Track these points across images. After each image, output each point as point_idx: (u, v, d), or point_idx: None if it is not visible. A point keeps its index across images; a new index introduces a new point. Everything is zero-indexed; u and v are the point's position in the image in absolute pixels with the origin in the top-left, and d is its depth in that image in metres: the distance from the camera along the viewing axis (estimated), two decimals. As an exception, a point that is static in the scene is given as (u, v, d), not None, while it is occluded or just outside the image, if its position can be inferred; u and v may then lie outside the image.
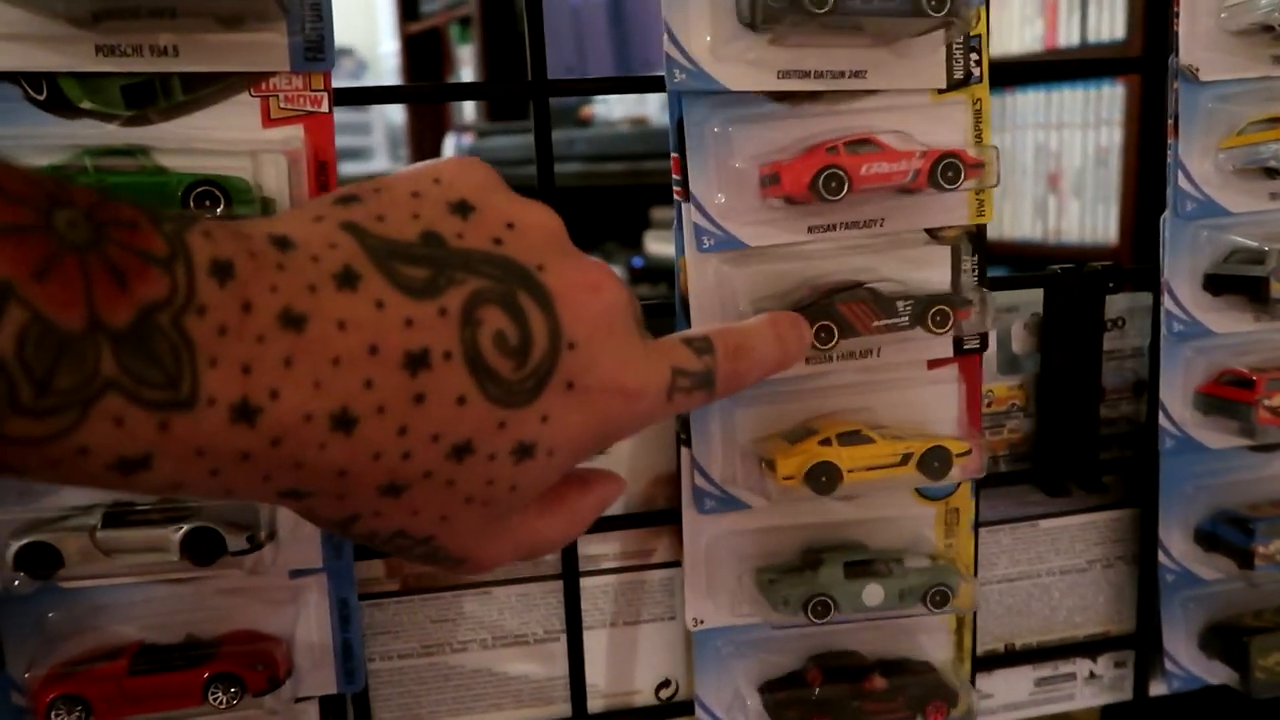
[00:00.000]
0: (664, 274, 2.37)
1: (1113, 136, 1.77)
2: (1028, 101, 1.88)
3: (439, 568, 0.33)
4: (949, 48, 0.49)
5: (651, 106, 2.29)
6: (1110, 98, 1.75)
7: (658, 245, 2.42)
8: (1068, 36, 1.81)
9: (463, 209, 0.29)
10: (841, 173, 0.45)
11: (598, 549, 0.55)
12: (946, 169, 0.47)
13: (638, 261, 2.38)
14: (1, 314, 0.20)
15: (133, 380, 0.22)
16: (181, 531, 0.43)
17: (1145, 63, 0.54)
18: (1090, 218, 1.82)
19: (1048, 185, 1.89)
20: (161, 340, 0.22)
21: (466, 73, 3.08)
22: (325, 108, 0.45)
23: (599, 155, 2.18)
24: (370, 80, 4.15)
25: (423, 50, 3.37)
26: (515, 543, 0.32)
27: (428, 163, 0.30)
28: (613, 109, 2.45)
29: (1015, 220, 1.92)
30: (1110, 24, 1.73)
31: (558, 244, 0.30)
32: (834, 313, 0.46)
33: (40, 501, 0.45)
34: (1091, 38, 1.78)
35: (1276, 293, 0.51)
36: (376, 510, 0.28)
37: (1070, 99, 1.82)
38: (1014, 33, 1.87)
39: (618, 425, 0.31)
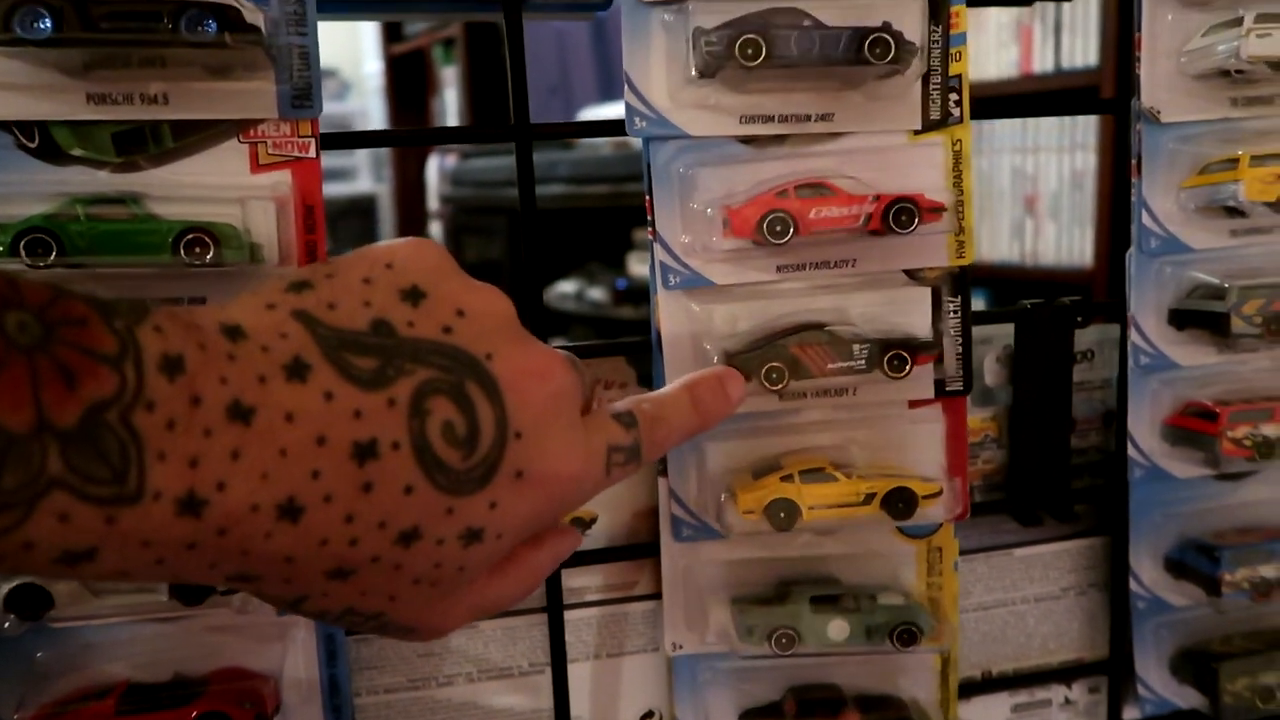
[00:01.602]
0: (647, 295, 2.38)
1: (1088, 161, 1.80)
2: (1004, 126, 1.91)
3: (391, 637, 0.34)
4: (926, 88, 0.50)
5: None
6: (1085, 123, 1.78)
7: (641, 267, 2.44)
8: (1042, 62, 1.85)
9: (414, 295, 0.29)
10: (787, 216, 0.46)
11: (581, 582, 0.55)
12: (899, 213, 0.48)
13: (621, 283, 2.40)
14: None
15: (79, 478, 0.22)
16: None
17: (1116, 104, 0.56)
18: (1066, 240, 1.85)
19: (1024, 208, 1.92)
20: (109, 437, 0.23)
21: (450, 94, 3.10)
22: (312, 153, 0.46)
23: (582, 177, 2.20)
24: (354, 100, 4.16)
25: (406, 71, 3.39)
26: (467, 607, 0.32)
27: (382, 245, 0.31)
28: (596, 131, 2.46)
29: (993, 243, 1.95)
30: (1084, 51, 1.77)
31: (507, 330, 0.31)
32: (786, 355, 0.47)
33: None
34: (1065, 64, 1.82)
35: (1238, 328, 0.53)
36: (324, 591, 0.28)
37: (1046, 124, 1.85)
38: (990, 58, 1.90)
39: (562, 505, 0.32)
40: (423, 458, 0.27)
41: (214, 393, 0.24)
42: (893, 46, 0.46)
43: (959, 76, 0.50)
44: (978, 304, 2.20)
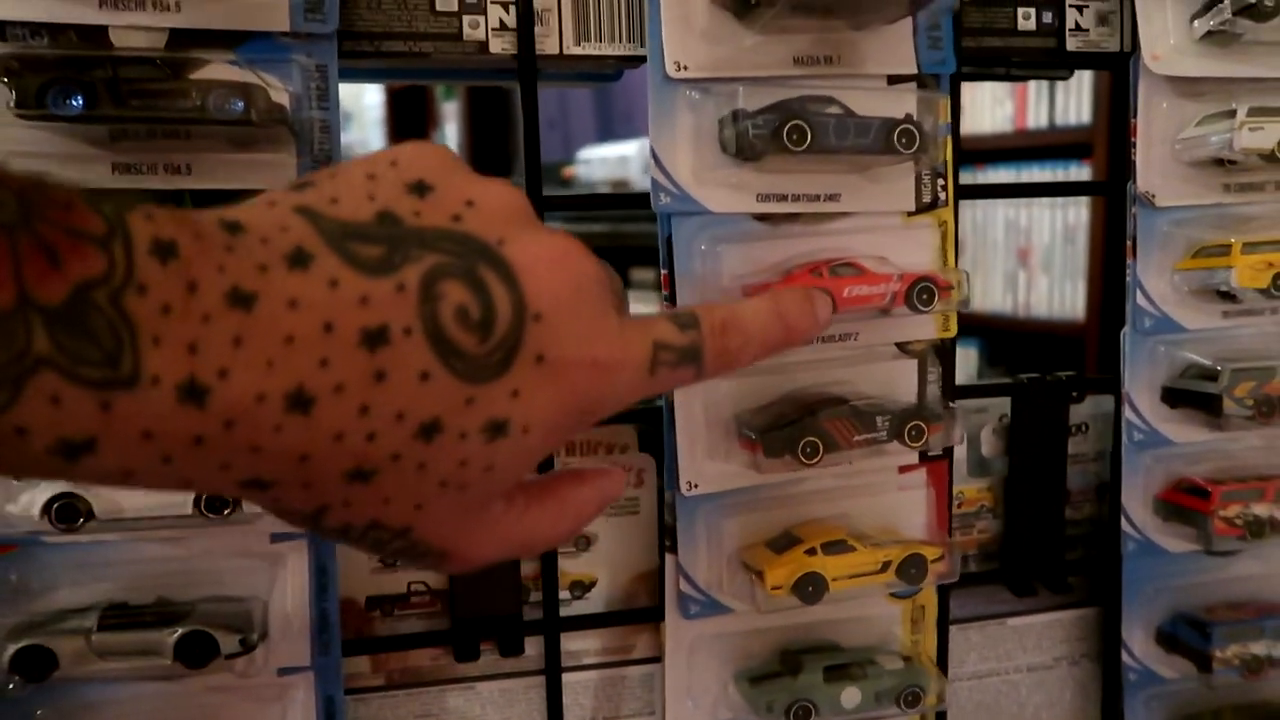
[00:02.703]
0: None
1: (1080, 215, 1.82)
2: (998, 177, 1.94)
3: (423, 565, 0.31)
4: (918, 174, 0.53)
5: (634, 168, 2.33)
6: (1077, 177, 1.81)
7: (638, 306, 2.44)
8: (1036, 118, 1.88)
9: (420, 189, 0.28)
10: (827, 295, 0.47)
11: (579, 645, 0.56)
12: (922, 292, 0.49)
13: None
14: None
15: (68, 358, 0.21)
16: (175, 635, 0.44)
17: (1109, 187, 0.58)
18: (1059, 293, 1.87)
19: (1018, 259, 1.95)
20: (98, 318, 0.22)
21: (450, 128, 3.12)
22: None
23: (580, 215, 2.22)
24: (355, 132, 4.19)
25: (407, 104, 3.41)
26: (502, 537, 0.30)
27: (384, 149, 0.29)
28: (594, 170, 2.49)
29: (986, 293, 1.97)
30: (1077, 108, 1.80)
31: (522, 218, 0.29)
32: (818, 429, 0.48)
33: (35, 603, 0.46)
34: (1059, 120, 1.85)
35: (1230, 409, 0.54)
36: (346, 499, 0.26)
37: (1039, 177, 1.88)
38: (985, 113, 1.93)
39: (595, 400, 0.29)
40: (437, 342, 0.26)
41: (211, 280, 0.23)
42: (917, 137, 0.47)
43: (944, 163, 0.52)
44: (970, 354, 2.20)
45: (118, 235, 0.22)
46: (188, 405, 0.23)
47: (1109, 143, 1.56)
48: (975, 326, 1.94)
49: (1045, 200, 1.89)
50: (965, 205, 0.54)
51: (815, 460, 0.48)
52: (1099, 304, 1.74)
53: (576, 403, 0.29)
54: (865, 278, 0.49)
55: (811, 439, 0.48)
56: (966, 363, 1.90)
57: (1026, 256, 1.93)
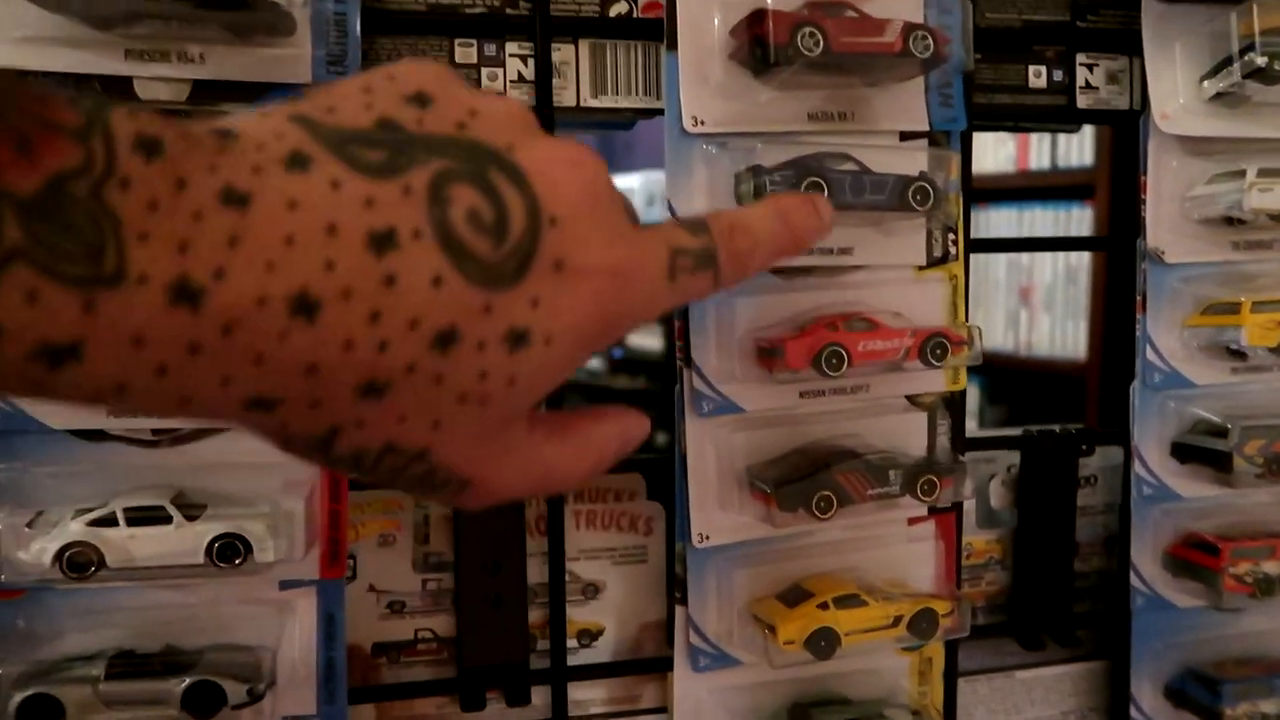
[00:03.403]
0: (643, 365, 2.40)
1: (1081, 256, 1.83)
2: (1000, 217, 1.95)
3: (443, 498, 0.29)
4: (929, 229, 0.53)
5: (637, 200, 2.34)
6: (1079, 219, 1.82)
7: (637, 338, 2.46)
8: (1039, 160, 1.89)
9: (420, 100, 0.26)
10: (842, 350, 0.48)
11: (586, 694, 0.55)
12: (935, 347, 0.50)
13: (617, 352, 2.42)
14: None
15: (45, 251, 0.20)
16: (184, 685, 0.44)
17: (1111, 242, 0.58)
18: (1060, 331, 1.88)
19: (1020, 299, 1.95)
20: (77, 211, 0.20)
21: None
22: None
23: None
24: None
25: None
26: (524, 467, 0.29)
27: (379, 66, 0.28)
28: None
29: (988, 331, 1.98)
30: (1079, 150, 1.81)
31: (527, 126, 0.28)
32: (833, 483, 0.48)
33: (42, 649, 0.45)
34: (1061, 162, 1.86)
35: (1240, 467, 0.54)
36: (359, 419, 0.24)
37: (1041, 217, 1.89)
38: (988, 153, 1.95)
39: (618, 309, 0.28)
40: (448, 245, 0.24)
41: (202, 178, 0.21)
42: (931, 195, 0.48)
43: (955, 218, 0.53)
44: (973, 392, 2.20)
45: (97, 129, 0.21)
46: (180, 307, 0.21)
47: (1110, 186, 1.56)
48: (977, 365, 1.94)
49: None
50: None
51: (829, 515, 0.48)
52: (1101, 344, 1.74)
53: (599, 312, 0.27)
54: (879, 332, 0.49)
55: (826, 493, 0.48)
56: (969, 400, 1.90)
57: (1029, 295, 1.94)
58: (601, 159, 0.29)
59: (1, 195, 0.19)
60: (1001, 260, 1.98)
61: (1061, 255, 1.89)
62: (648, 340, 2.54)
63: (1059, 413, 1.86)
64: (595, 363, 2.45)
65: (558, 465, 0.30)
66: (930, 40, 0.48)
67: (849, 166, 0.49)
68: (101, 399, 0.21)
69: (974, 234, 0.55)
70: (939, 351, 0.50)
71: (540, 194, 0.26)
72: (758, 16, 0.46)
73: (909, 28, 0.48)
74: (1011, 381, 1.96)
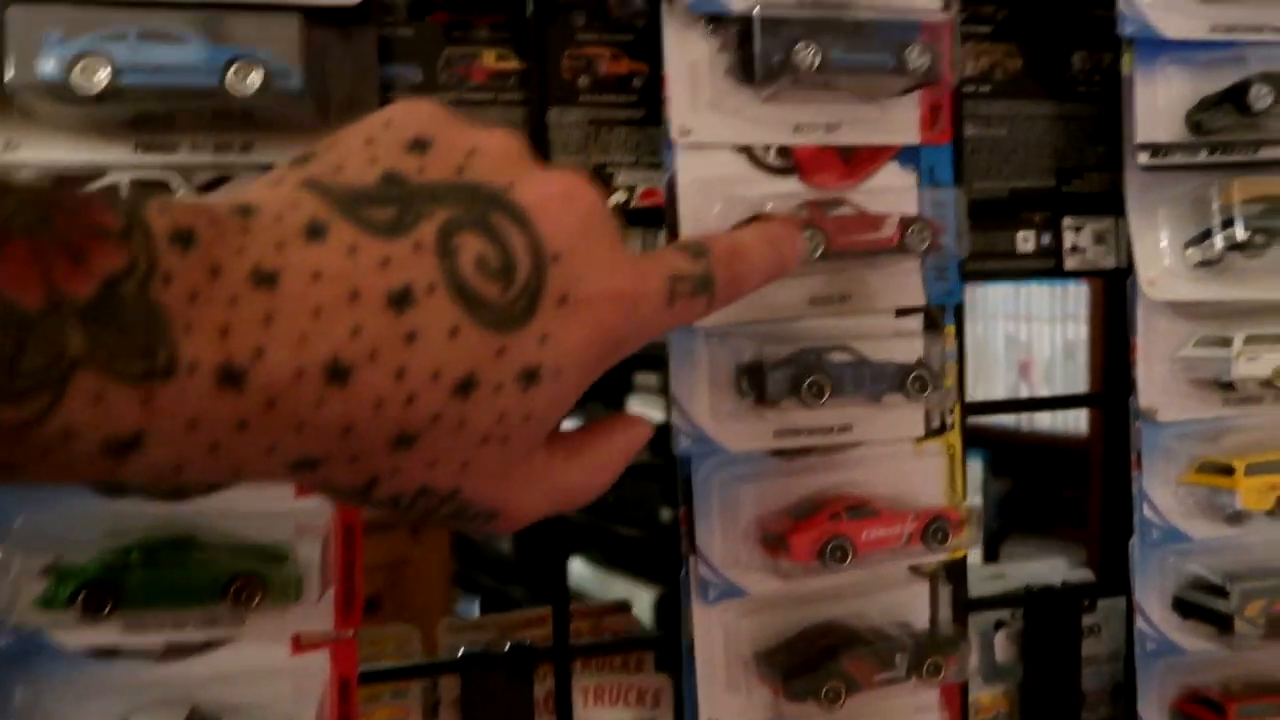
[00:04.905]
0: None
1: (1079, 332, 1.85)
2: (998, 293, 1.97)
3: (475, 528, 0.31)
4: (927, 408, 0.54)
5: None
6: (1075, 295, 1.84)
7: (641, 409, 2.47)
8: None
9: (419, 145, 0.28)
10: (846, 543, 0.49)
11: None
12: (936, 530, 0.51)
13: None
14: None
15: (105, 354, 0.21)
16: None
17: (1105, 399, 0.59)
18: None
19: (1019, 373, 1.97)
20: (130, 311, 0.22)
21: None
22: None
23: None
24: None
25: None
26: (547, 489, 0.31)
27: (375, 112, 0.30)
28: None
29: (989, 406, 1.98)
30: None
31: (524, 161, 0.29)
32: (841, 672, 0.49)
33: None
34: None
35: (1241, 629, 0.55)
36: (394, 468, 0.26)
37: (1038, 293, 1.91)
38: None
39: (620, 335, 0.30)
40: (461, 295, 0.26)
41: (233, 262, 0.23)
42: (928, 383, 0.49)
43: (950, 390, 0.54)
44: (975, 466, 2.18)
45: (136, 229, 0.22)
46: (227, 389, 0.23)
47: (1104, 329, 1.57)
48: (979, 438, 1.95)
49: (1045, 316, 1.92)
50: (967, 319, 0.56)
51: (838, 704, 0.49)
52: (1101, 419, 1.75)
53: (603, 338, 0.29)
54: (881, 519, 0.50)
55: (835, 684, 0.48)
56: (972, 474, 1.90)
57: (1028, 370, 1.95)
58: (598, 186, 0.30)
59: (64, 304, 0.21)
60: (1000, 336, 2.00)
61: (1059, 330, 1.90)
62: (653, 411, 2.55)
63: (1062, 485, 1.86)
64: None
65: (577, 483, 0.32)
66: (927, 233, 0.50)
67: (847, 358, 0.50)
68: (161, 479, 0.24)
69: (969, 310, 0.55)
70: (940, 535, 0.50)
71: (542, 231, 0.27)
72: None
73: (905, 221, 0.49)
74: (1014, 455, 1.97)
